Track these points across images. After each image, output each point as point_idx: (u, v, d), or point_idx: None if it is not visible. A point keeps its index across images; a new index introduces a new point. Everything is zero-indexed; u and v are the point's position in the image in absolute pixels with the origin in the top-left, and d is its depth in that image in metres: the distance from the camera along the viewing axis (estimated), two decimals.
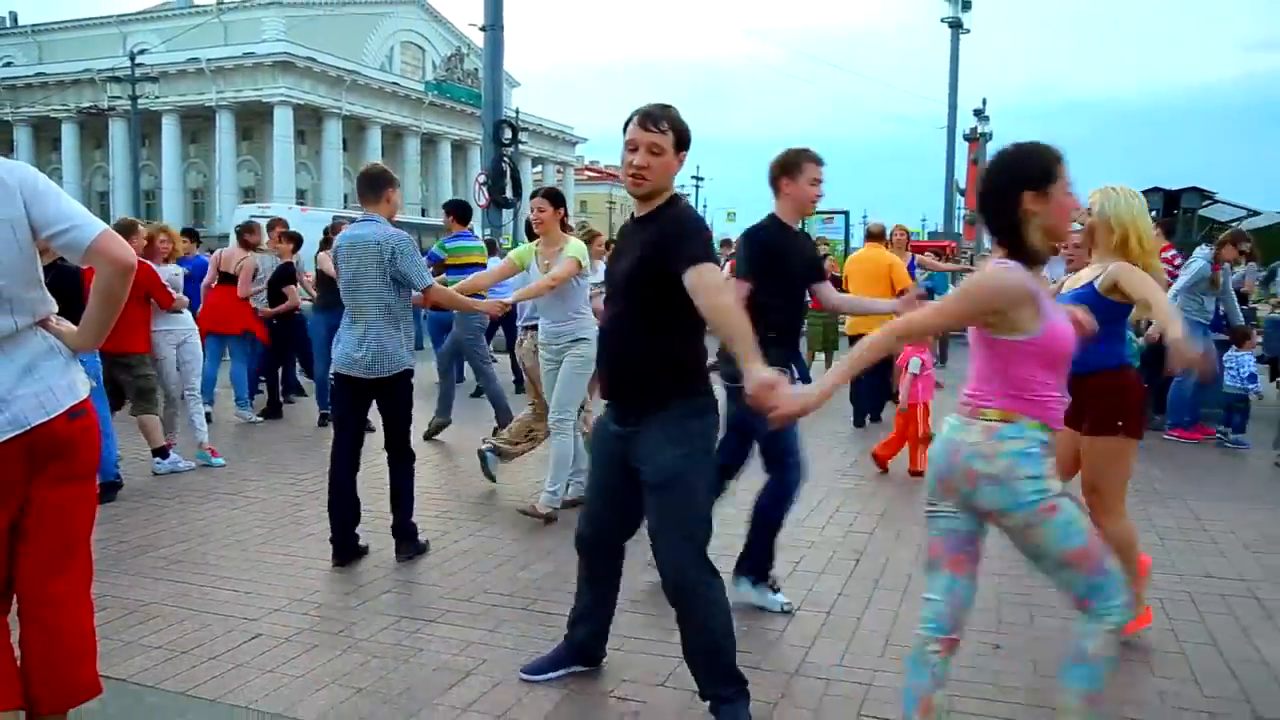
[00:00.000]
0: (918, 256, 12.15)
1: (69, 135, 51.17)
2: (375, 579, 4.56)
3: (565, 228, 5.79)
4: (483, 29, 15.93)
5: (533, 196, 5.75)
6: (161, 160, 48.83)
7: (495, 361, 8.49)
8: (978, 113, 37.43)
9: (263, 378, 9.64)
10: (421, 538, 4.96)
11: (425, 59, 57.59)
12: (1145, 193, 9.93)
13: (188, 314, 7.17)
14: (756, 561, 4.23)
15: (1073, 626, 2.65)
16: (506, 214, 17.15)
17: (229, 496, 6.07)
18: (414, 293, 4.85)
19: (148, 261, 6.56)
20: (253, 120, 48.44)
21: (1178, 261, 8.09)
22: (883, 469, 6.93)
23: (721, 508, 3.88)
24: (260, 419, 8.90)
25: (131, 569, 4.64)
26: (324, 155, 49.38)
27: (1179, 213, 9.40)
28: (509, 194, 16.45)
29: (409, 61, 57.07)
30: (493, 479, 6.19)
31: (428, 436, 7.83)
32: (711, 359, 3.22)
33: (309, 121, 48.65)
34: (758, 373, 2.67)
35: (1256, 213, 11.17)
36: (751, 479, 4.32)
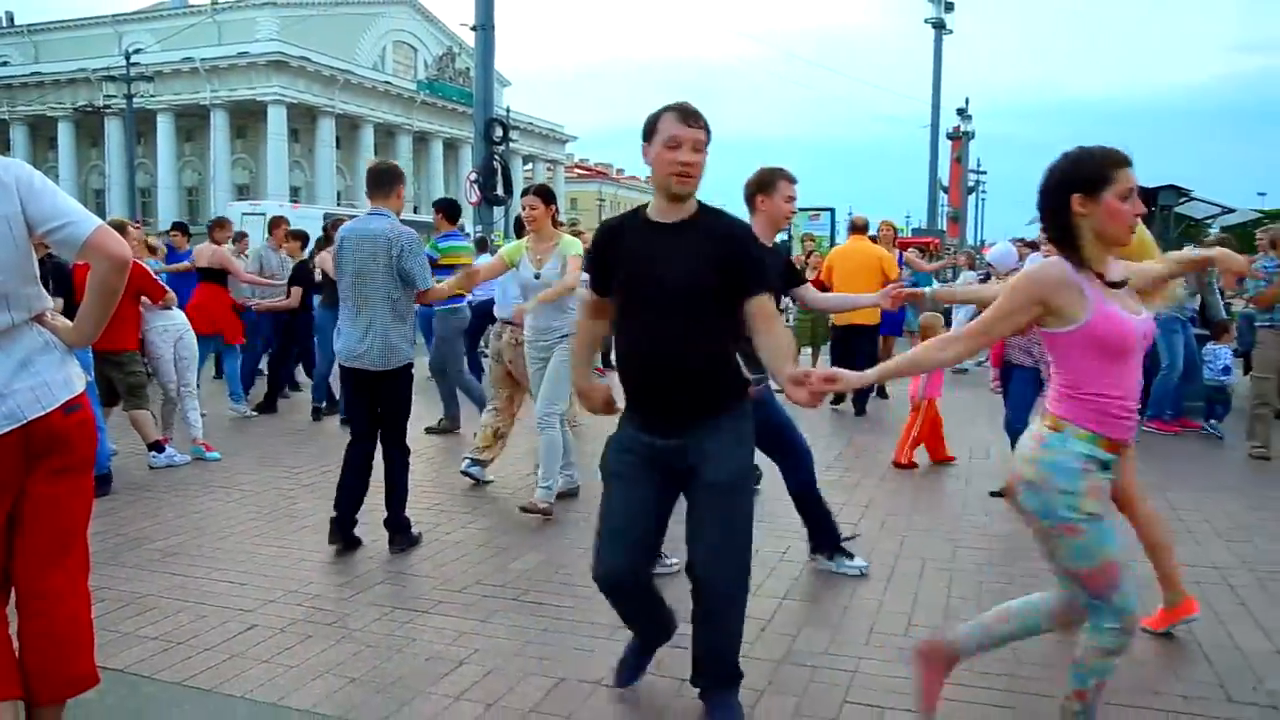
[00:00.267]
0: (905, 254, 12.22)
1: (65, 134, 50.90)
2: (368, 570, 4.56)
3: (555, 225, 5.77)
4: (474, 29, 15.90)
5: (524, 194, 5.71)
6: (157, 158, 48.58)
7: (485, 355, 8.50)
8: (960, 112, 37.54)
9: (264, 371, 9.63)
10: (414, 530, 4.96)
11: (417, 58, 57.40)
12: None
13: (179, 311, 7.14)
14: (826, 535, 4.55)
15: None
16: (498, 211, 17.11)
17: (224, 490, 6.06)
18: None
19: (137, 259, 6.53)
20: (247, 119, 48.25)
21: None
22: (931, 458, 6.98)
23: None
24: (255, 413, 8.86)
25: (128, 561, 4.62)
26: (317, 153, 49.20)
27: (1155, 210, 9.44)
28: (500, 191, 16.42)
29: (401, 61, 56.85)
30: (485, 481, 6.19)
31: (430, 431, 7.85)
32: None
33: (302, 120, 48.46)
34: (791, 370, 2.79)
35: (1231, 210, 11.26)
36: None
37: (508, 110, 36.60)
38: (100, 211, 35.82)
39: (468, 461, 6.17)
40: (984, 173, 49.46)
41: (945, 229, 37.30)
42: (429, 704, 3.19)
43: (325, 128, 48.85)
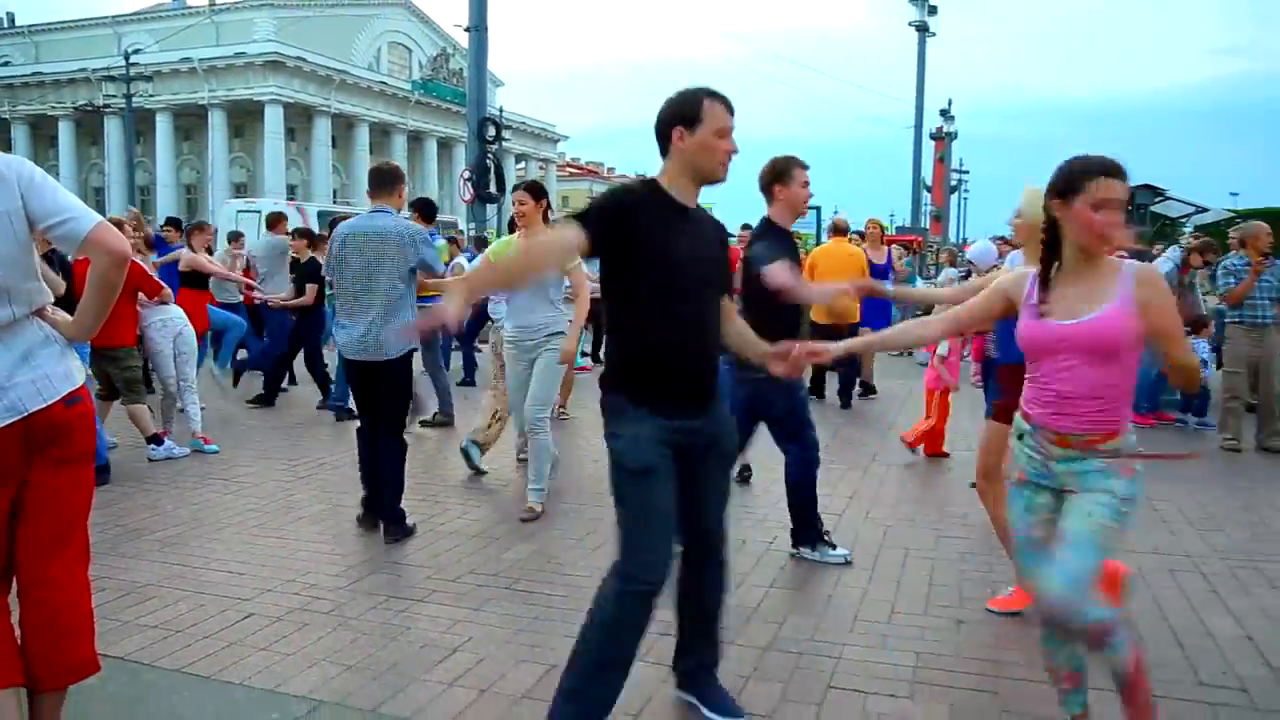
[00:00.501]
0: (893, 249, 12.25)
1: (65, 133, 50.53)
2: (364, 560, 4.56)
3: (546, 221, 5.74)
4: (467, 30, 15.87)
5: (514, 190, 5.68)
6: (156, 157, 48.26)
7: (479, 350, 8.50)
8: (944, 113, 37.62)
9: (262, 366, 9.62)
10: (409, 520, 4.96)
11: (412, 59, 57.15)
12: None
13: (175, 305, 7.11)
14: (809, 529, 4.60)
15: None
16: (491, 209, 17.08)
17: (222, 482, 6.04)
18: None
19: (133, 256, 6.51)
20: (244, 118, 47.96)
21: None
22: (925, 450, 6.99)
23: None
24: (234, 386, 8.98)
25: (128, 551, 4.61)
26: (313, 152, 48.94)
27: (1133, 209, 9.49)
28: (493, 189, 16.40)
29: (396, 61, 56.62)
30: (480, 471, 6.19)
31: (426, 425, 7.85)
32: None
33: (299, 119, 48.21)
34: (769, 349, 2.95)
35: (1205, 209, 11.32)
36: None
37: (500, 110, 36.57)
38: (100, 209, 35.64)
39: (468, 440, 6.20)
40: (966, 172, 49.58)
41: (928, 227, 37.40)
42: (423, 690, 3.20)
43: (321, 127, 48.60)
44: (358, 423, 5.23)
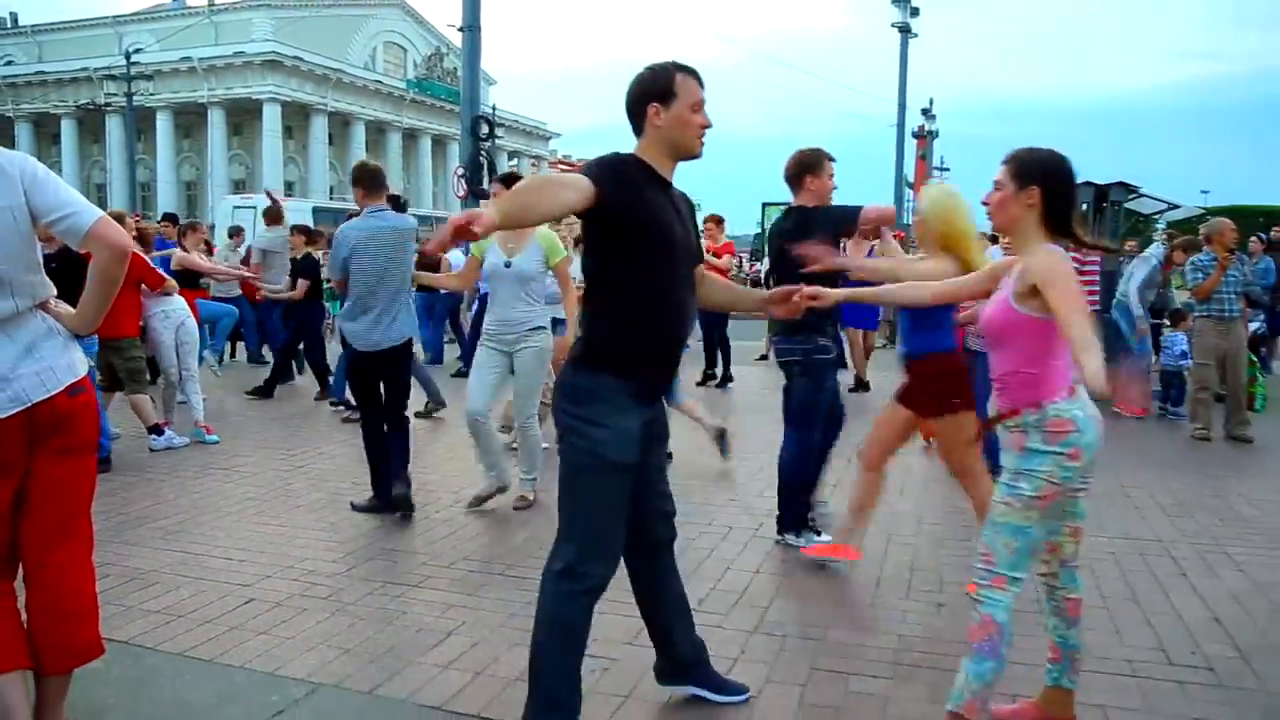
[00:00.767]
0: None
1: (68, 131, 50.17)
2: (361, 547, 4.55)
3: None
4: (461, 30, 15.80)
5: (492, 182, 5.65)
6: (156, 154, 47.94)
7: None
8: (925, 112, 37.63)
9: (264, 359, 9.60)
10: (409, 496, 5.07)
11: (407, 58, 56.85)
12: (1076, 186, 10.08)
13: (179, 297, 7.09)
14: (795, 515, 4.58)
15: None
16: (484, 204, 17.03)
17: (223, 472, 6.03)
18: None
19: (136, 249, 6.49)
20: (243, 116, 47.69)
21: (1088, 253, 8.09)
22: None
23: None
24: (219, 373, 8.93)
25: (131, 539, 4.60)
26: (311, 149, 48.71)
27: (1107, 205, 9.51)
28: (486, 185, 16.34)
29: (391, 60, 56.31)
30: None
31: (419, 415, 7.81)
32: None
33: (296, 117, 47.96)
34: (767, 293, 2.96)
35: (1176, 206, 11.36)
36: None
37: (493, 108, 36.41)
38: (102, 205, 35.39)
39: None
40: (947, 170, 49.56)
41: (910, 223, 37.44)
42: (419, 673, 3.20)
43: (318, 125, 48.36)
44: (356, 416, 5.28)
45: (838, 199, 4.50)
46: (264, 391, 8.98)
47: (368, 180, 5.02)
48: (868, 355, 10.07)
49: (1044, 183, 2.60)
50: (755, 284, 18.41)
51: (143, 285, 6.46)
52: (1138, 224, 13.57)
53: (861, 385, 9.70)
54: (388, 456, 5.11)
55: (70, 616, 2.56)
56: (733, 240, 13.22)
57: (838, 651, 3.39)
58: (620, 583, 3.70)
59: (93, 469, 2.68)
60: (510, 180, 5.35)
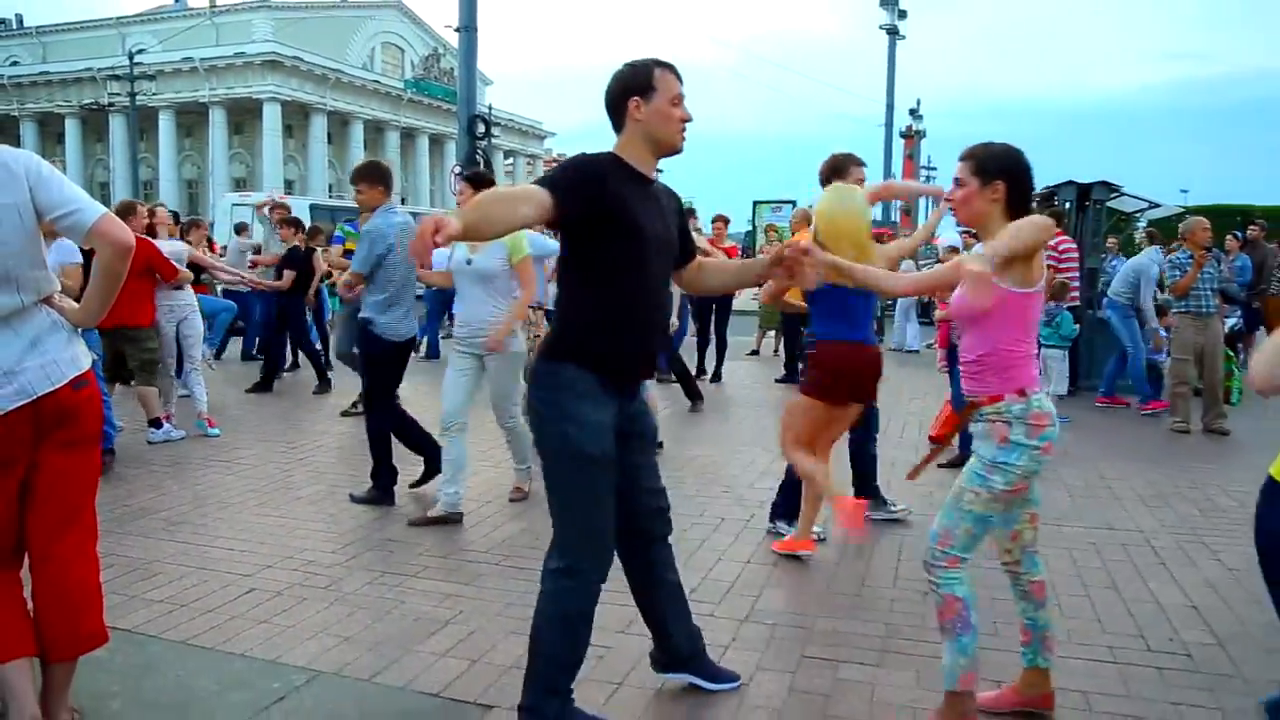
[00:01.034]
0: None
1: (72, 130, 49.95)
2: (360, 538, 4.55)
3: None
4: (458, 30, 15.74)
5: (455, 180, 5.64)
6: (158, 153, 47.76)
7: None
8: (913, 112, 37.64)
9: (259, 354, 9.56)
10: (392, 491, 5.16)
11: (405, 58, 56.68)
12: (1059, 186, 10.03)
13: (190, 290, 7.07)
14: (791, 507, 4.52)
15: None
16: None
17: (224, 464, 6.01)
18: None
19: (148, 238, 6.47)
20: (243, 116, 47.53)
21: (1063, 248, 7.99)
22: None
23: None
24: (214, 366, 9.00)
25: (135, 530, 4.59)
26: (310, 148, 48.57)
27: (1090, 204, 9.53)
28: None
29: (389, 61, 56.15)
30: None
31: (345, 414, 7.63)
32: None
33: (296, 117, 47.81)
34: (772, 255, 2.84)
35: (1157, 204, 11.38)
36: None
37: (490, 108, 36.31)
38: (106, 203, 35.25)
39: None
40: (934, 169, 49.61)
41: (898, 220, 37.46)
42: (416, 661, 3.20)
43: (318, 124, 48.23)
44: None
45: None
46: (262, 386, 8.95)
47: (380, 179, 5.10)
48: None
49: (1007, 177, 2.63)
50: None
51: (157, 276, 6.45)
52: (1119, 222, 13.57)
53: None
54: (418, 444, 5.30)
55: (75, 606, 2.56)
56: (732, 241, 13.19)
57: (827, 639, 3.40)
58: (613, 571, 3.71)
59: (97, 461, 2.67)
60: (476, 179, 5.20)
